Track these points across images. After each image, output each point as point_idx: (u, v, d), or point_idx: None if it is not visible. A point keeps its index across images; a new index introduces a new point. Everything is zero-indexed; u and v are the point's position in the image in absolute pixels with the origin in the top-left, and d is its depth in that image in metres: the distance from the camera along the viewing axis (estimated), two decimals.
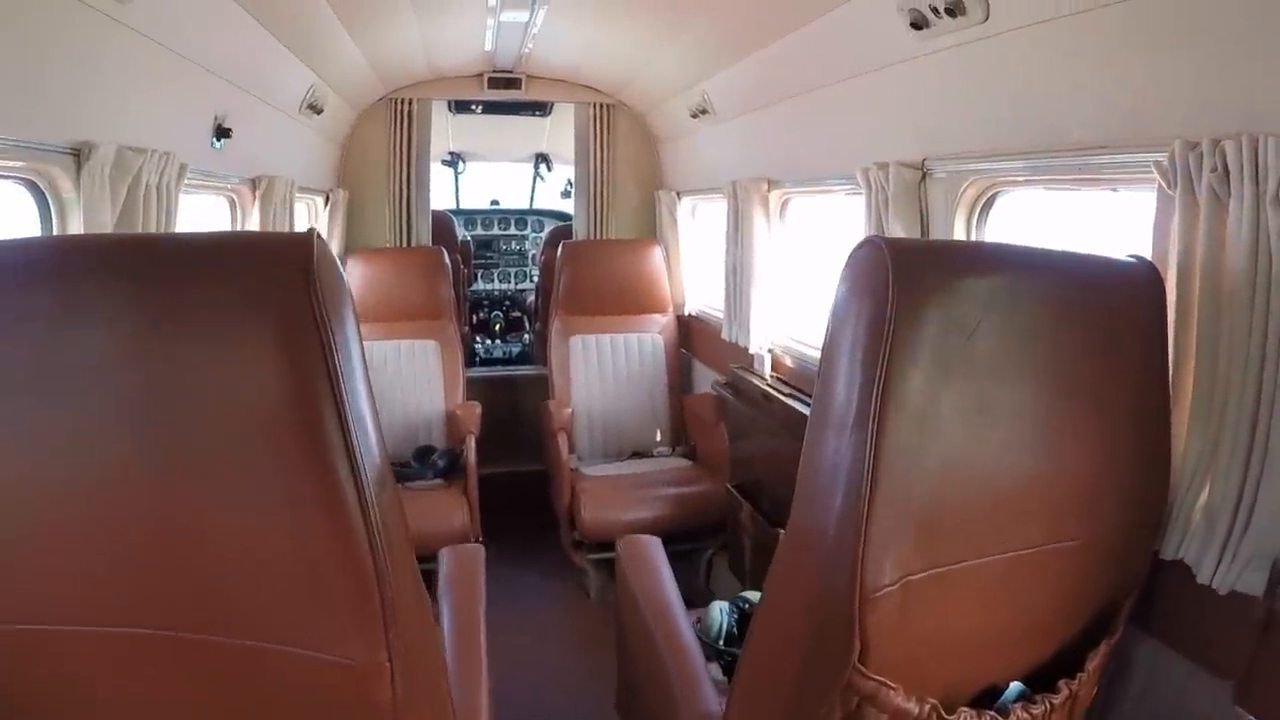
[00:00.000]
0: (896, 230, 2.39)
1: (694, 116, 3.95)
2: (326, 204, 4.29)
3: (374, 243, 4.71)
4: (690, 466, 4.16)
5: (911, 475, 1.16)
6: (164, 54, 2.12)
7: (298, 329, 0.92)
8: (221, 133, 2.58)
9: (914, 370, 1.13)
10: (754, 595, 2.35)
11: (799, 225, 3.53)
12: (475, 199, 7.03)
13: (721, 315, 4.20)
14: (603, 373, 4.39)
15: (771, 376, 3.48)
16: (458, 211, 6.88)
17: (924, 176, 2.37)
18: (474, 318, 6.54)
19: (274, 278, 0.94)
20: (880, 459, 1.13)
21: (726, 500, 3.67)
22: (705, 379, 4.41)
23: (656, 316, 4.49)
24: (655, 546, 2.43)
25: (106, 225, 1.85)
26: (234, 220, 3.11)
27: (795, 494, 1.35)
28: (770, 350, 3.52)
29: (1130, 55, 1.62)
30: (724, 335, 3.79)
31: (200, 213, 3.09)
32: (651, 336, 4.45)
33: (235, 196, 3.06)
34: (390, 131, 4.67)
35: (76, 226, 1.84)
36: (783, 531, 2.81)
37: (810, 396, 3.21)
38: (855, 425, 1.15)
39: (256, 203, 3.07)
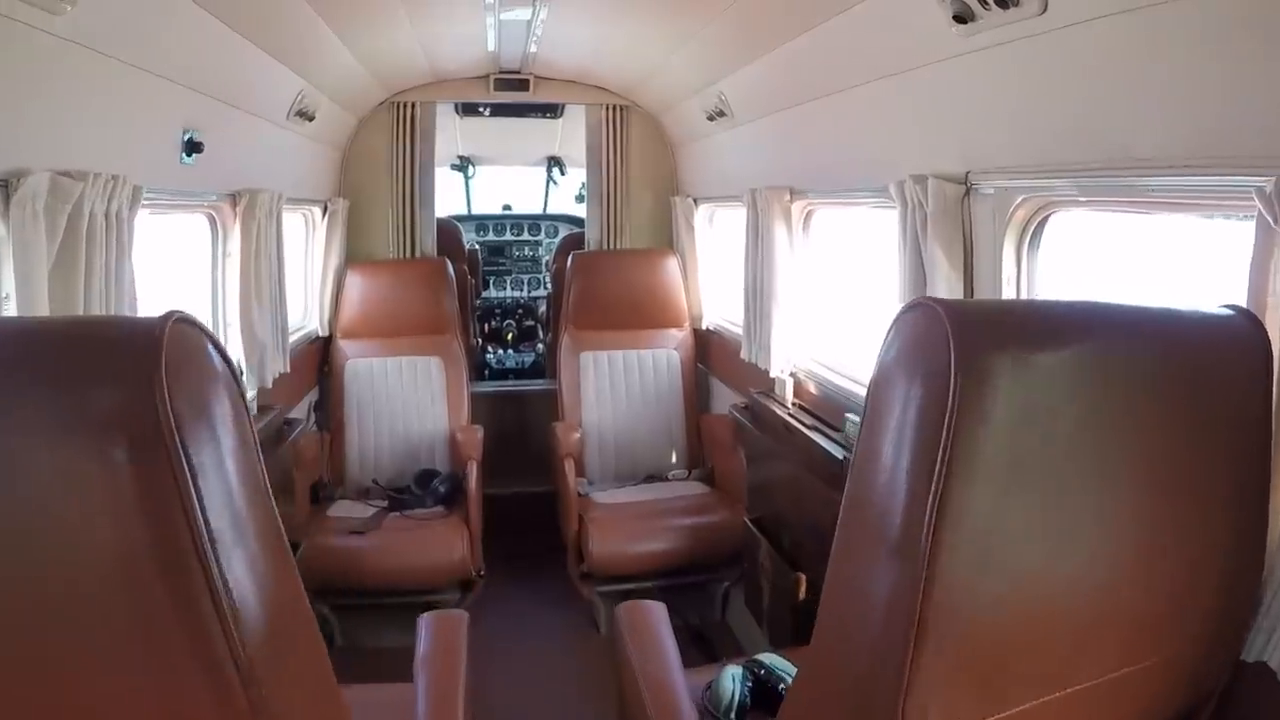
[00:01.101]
0: (936, 254, 2.14)
1: (711, 119, 3.70)
2: (325, 215, 4.09)
3: (377, 254, 4.51)
4: (707, 492, 3.92)
5: (971, 613, 0.92)
6: (113, 66, 1.91)
7: (144, 454, 0.71)
8: (192, 147, 2.37)
9: (980, 478, 0.89)
10: (770, 659, 2.11)
11: (824, 238, 3.27)
12: (486, 204, 6.88)
13: (739, 329, 3.97)
14: (615, 391, 4.16)
15: (793, 404, 3.23)
16: (468, 217, 6.72)
17: (967, 192, 2.11)
18: (485, 327, 6.35)
19: (111, 388, 0.72)
20: (932, 595, 0.88)
21: (744, 534, 3.45)
22: (724, 397, 4.18)
23: (672, 331, 4.25)
24: (658, 613, 2.20)
25: (41, 265, 1.64)
26: (215, 239, 2.92)
27: (821, 608, 1.11)
28: (792, 374, 3.28)
29: (1221, 56, 1.35)
30: (743, 355, 3.54)
31: (177, 233, 2.91)
32: (667, 353, 4.22)
33: (215, 214, 2.87)
34: (393, 137, 4.47)
35: (6, 271, 1.64)
36: (803, 576, 2.55)
37: (834, 429, 3.02)
38: (901, 550, 0.91)
39: (238, 219, 2.87)
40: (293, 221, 3.98)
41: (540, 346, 6.24)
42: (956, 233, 2.14)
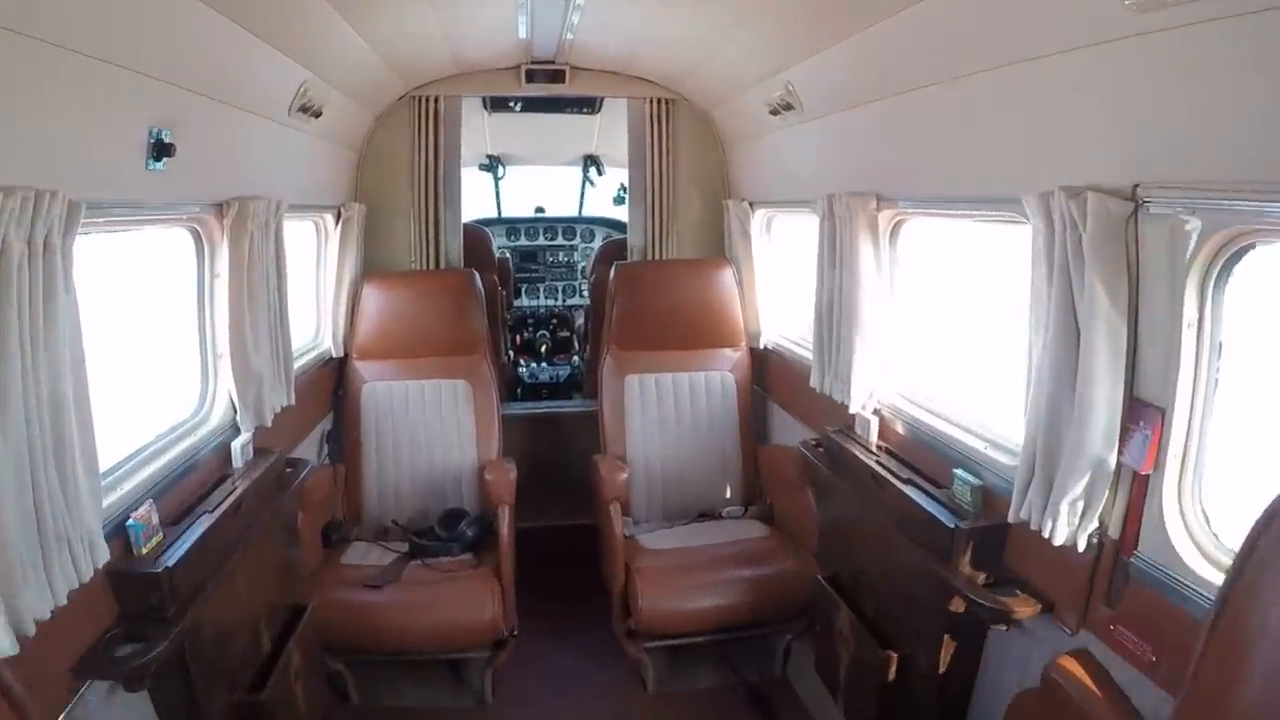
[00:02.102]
0: (1094, 287, 1.69)
1: (774, 113, 3.24)
2: (338, 222, 3.70)
3: (397, 264, 4.14)
4: (768, 535, 3.49)
5: None
6: (45, 51, 1.51)
7: None
8: (161, 149, 1.98)
9: None
10: None
11: (914, 253, 2.81)
12: (517, 206, 6.54)
13: (804, 350, 3.56)
14: (664, 419, 3.75)
15: (878, 446, 2.78)
16: (498, 221, 6.37)
17: (1135, 210, 1.65)
18: (517, 339, 5.99)
19: None
20: None
21: (814, 590, 3.04)
22: (784, 425, 3.77)
23: (727, 351, 3.82)
24: None
25: None
26: (200, 258, 2.53)
27: None
28: (877, 412, 2.82)
29: None
30: (813, 384, 3.09)
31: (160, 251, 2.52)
32: (721, 375, 3.79)
33: (199, 228, 2.47)
34: (414, 134, 4.08)
35: None
36: (894, 656, 2.35)
37: (935, 483, 2.56)
38: None
39: (226, 233, 2.47)
40: (302, 230, 3.63)
41: (576, 359, 5.86)
42: (1120, 262, 1.68)
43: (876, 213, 2.69)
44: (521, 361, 5.79)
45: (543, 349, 5.88)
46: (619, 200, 6.12)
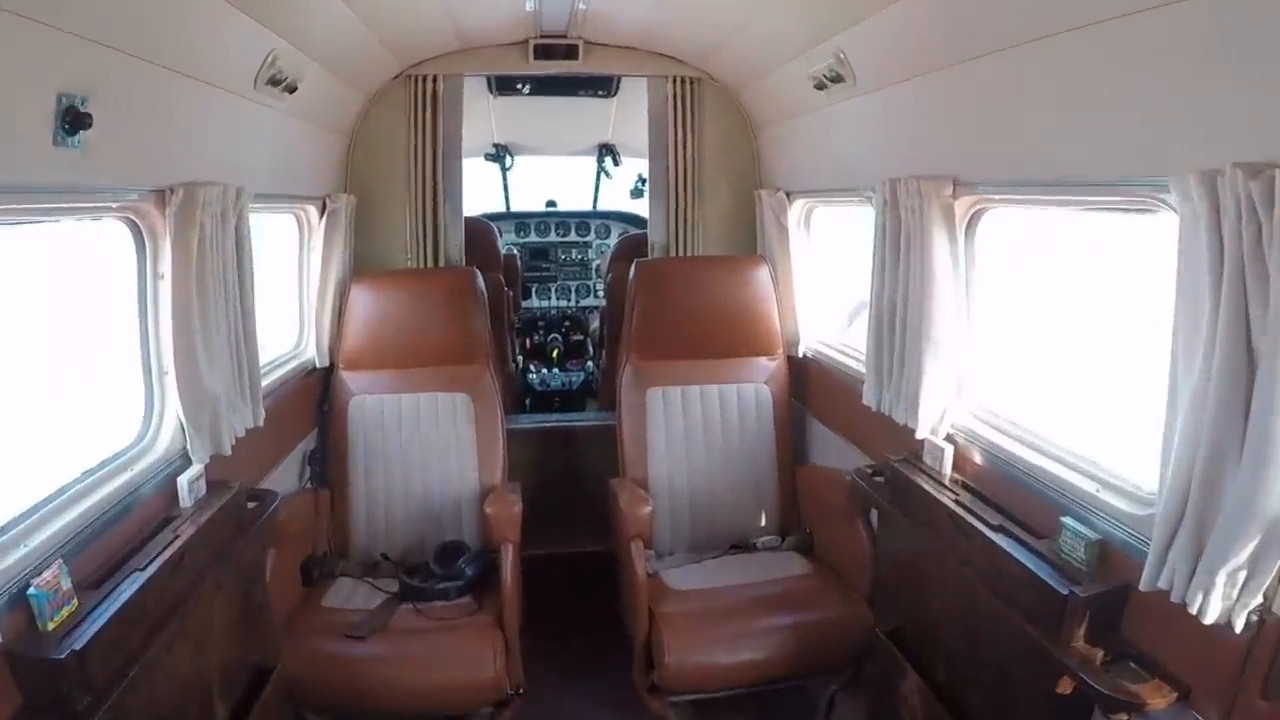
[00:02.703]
0: None
1: (820, 88, 2.83)
2: (323, 215, 3.32)
3: (392, 262, 3.76)
4: (810, 573, 3.07)
5: None
6: None
7: None
8: (75, 122, 1.58)
9: None
10: None
11: (994, 248, 2.39)
12: (527, 199, 6.17)
13: (852, 360, 3.18)
14: (691, 437, 3.34)
15: (954, 480, 2.36)
16: (506, 215, 6.02)
17: None
18: (526, 342, 5.62)
19: None
20: None
21: (866, 640, 2.65)
22: (826, 443, 3.36)
23: (761, 360, 3.40)
24: None
25: None
26: (140, 254, 2.13)
27: None
28: (952, 438, 2.40)
29: None
30: (867, 401, 2.68)
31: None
32: (755, 387, 3.38)
33: (135, 218, 2.08)
34: (410, 118, 3.68)
35: None
36: None
37: (1034, 533, 1.99)
38: None
39: (169, 223, 2.07)
40: (282, 225, 3.26)
41: (590, 364, 5.48)
42: None
43: (953, 200, 2.26)
44: (531, 368, 5.41)
45: (554, 354, 5.50)
46: (637, 193, 5.74)
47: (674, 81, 3.80)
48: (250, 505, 2.50)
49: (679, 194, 3.85)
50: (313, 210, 3.31)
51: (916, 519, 2.40)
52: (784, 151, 3.63)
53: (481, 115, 4.82)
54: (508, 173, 5.89)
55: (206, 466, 2.30)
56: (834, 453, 3.25)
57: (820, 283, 3.55)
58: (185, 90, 2.07)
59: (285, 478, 3.05)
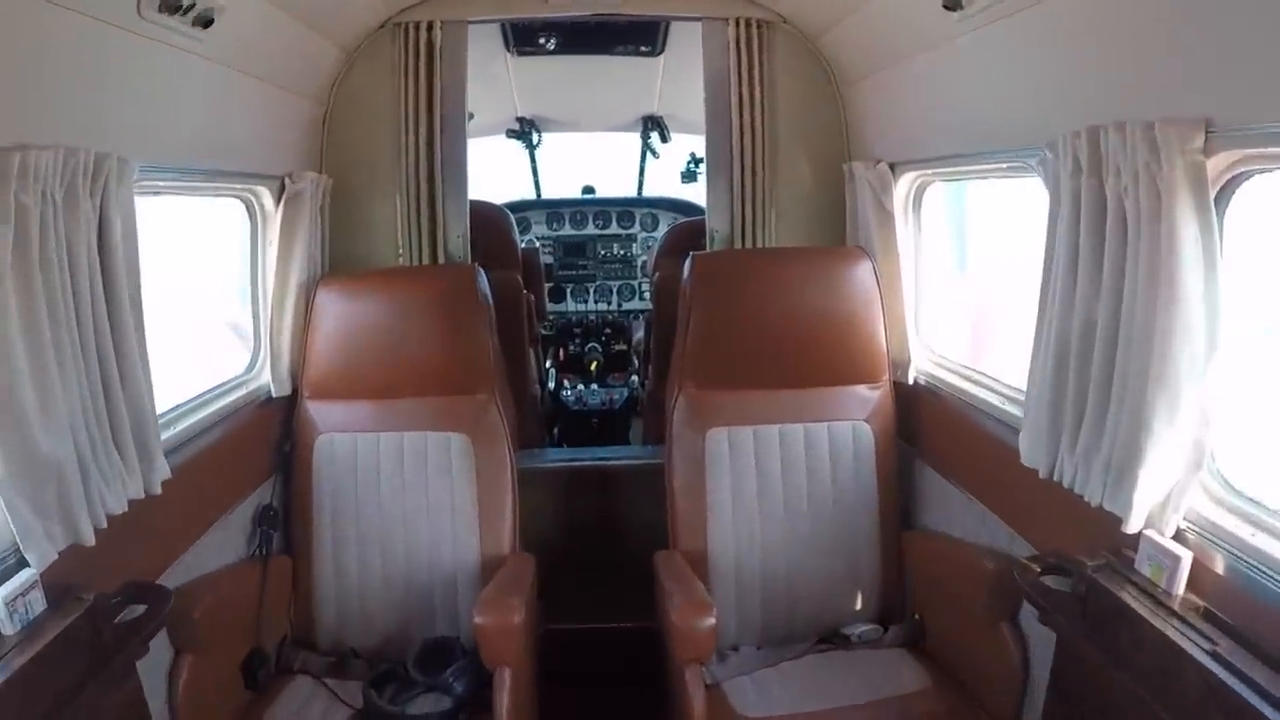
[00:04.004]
0: None
1: (951, 6, 1.99)
2: (280, 201, 2.62)
3: (379, 260, 3.06)
4: (928, 685, 2.28)
5: None
6: None
7: None
8: None
9: None
10: None
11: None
12: (560, 185, 5.62)
13: (984, 390, 2.38)
14: (765, 495, 2.54)
15: (1188, 604, 1.53)
16: (536, 204, 5.43)
17: None
18: (560, 352, 4.98)
19: None
20: None
21: None
22: (941, 498, 2.53)
23: (861, 390, 2.59)
24: None
25: None
26: None
27: None
28: (1185, 536, 1.57)
29: None
30: (1030, 461, 1.87)
31: None
32: (853, 426, 2.57)
33: None
34: (400, 78, 2.98)
35: None
36: None
37: None
38: None
39: None
40: (224, 212, 2.59)
41: (635, 379, 4.78)
42: None
43: (1203, 159, 1.43)
44: (565, 383, 4.72)
45: (593, 367, 4.81)
46: (689, 176, 5.01)
47: (736, 25, 3.03)
48: (125, 613, 1.79)
49: (745, 170, 3.06)
50: (266, 194, 2.60)
51: (1118, 653, 1.59)
52: (884, 111, 2.82)
53: (499, 81, 4.12)
54: (535, 151, 5.25)
55: (59, 564, 1.60)
56: (956, 513, 2.42)
57: (937, 283, 2.73)
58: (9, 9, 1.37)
59: (224, 546, 2.34)
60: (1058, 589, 1.81)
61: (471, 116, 4.12)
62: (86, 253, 1.60)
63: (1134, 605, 1.56)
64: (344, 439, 2.56)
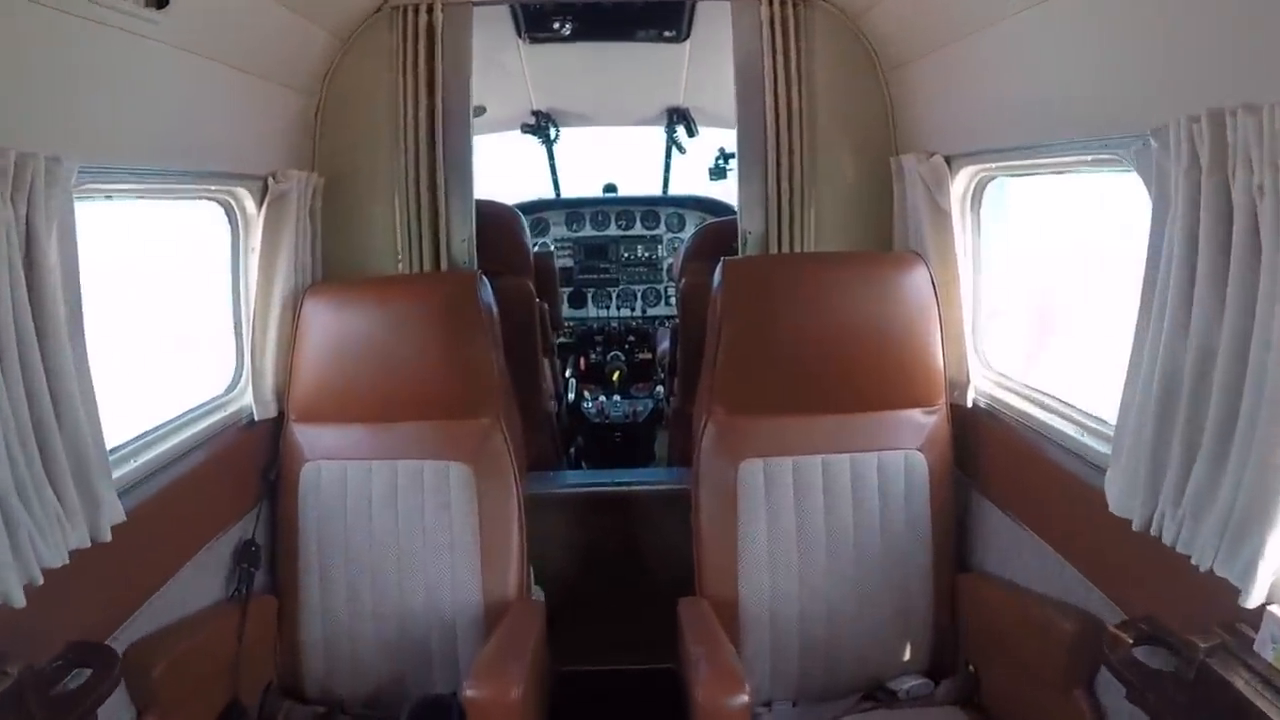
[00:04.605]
0: None
1: None
2: (263, 204, 2.40)
3: (375, 267, 2.84)
4: None
5: None
6: None
7: None
8: None
9: None
10: None
11: None
12: (580, 183, 5.42)
13: (1058, 418, 2.09)
14: (806, 535, 2.29)
15: None
16: (555, 204, 5.25)
17: None
18: (581, 361, 4.80)
19: None
20: None
21: None
22: (1002, 535, 2.24)
23: (915, 415, 2.33)
24: None
25: None
26: None
27: None
28: None
29: None
30: (1119, 508, 1.59)
31: None
32: (905, 456, 2.31)
33: None
34: (400, 67, 2.76)
35: None
36: None
37: None
38: None
39: None
40: (197, 214, 2.39)
41: (660, 389, 4.56)
42: None
43: None
44: (586, 394, 4.50)
45: (615, 376, 4.62)
46: (718, 173, 4.75)
47: (769, 4, 2.77)
48: (82, 675, 1.58)
49: (781, 165, 2.80)
50: (246, 195, 2.38)
51: None
52: (937, 97, 2.54)
53: (512, 72, 3.90)
54: (553, 148, 5.04)
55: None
56: (1020, 556, 2.14)
57: (999, 292, 2.45)
58: None
59: (200, 586, 2.12)
60: (1155, 666, 1.54)
61: (483, 110, 3.93)
62: (7, 267, 1.38)
63: (1252, 698, 1.29)
64: (333, 467, 2.35)
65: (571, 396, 4.48)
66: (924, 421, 2.31)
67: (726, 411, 2.31)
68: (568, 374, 4.71)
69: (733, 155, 4.33)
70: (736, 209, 2.96)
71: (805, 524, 2.27)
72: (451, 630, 2.27)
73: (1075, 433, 1.96)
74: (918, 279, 2.29)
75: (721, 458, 2.29)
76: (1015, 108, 2.10)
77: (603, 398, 4.46)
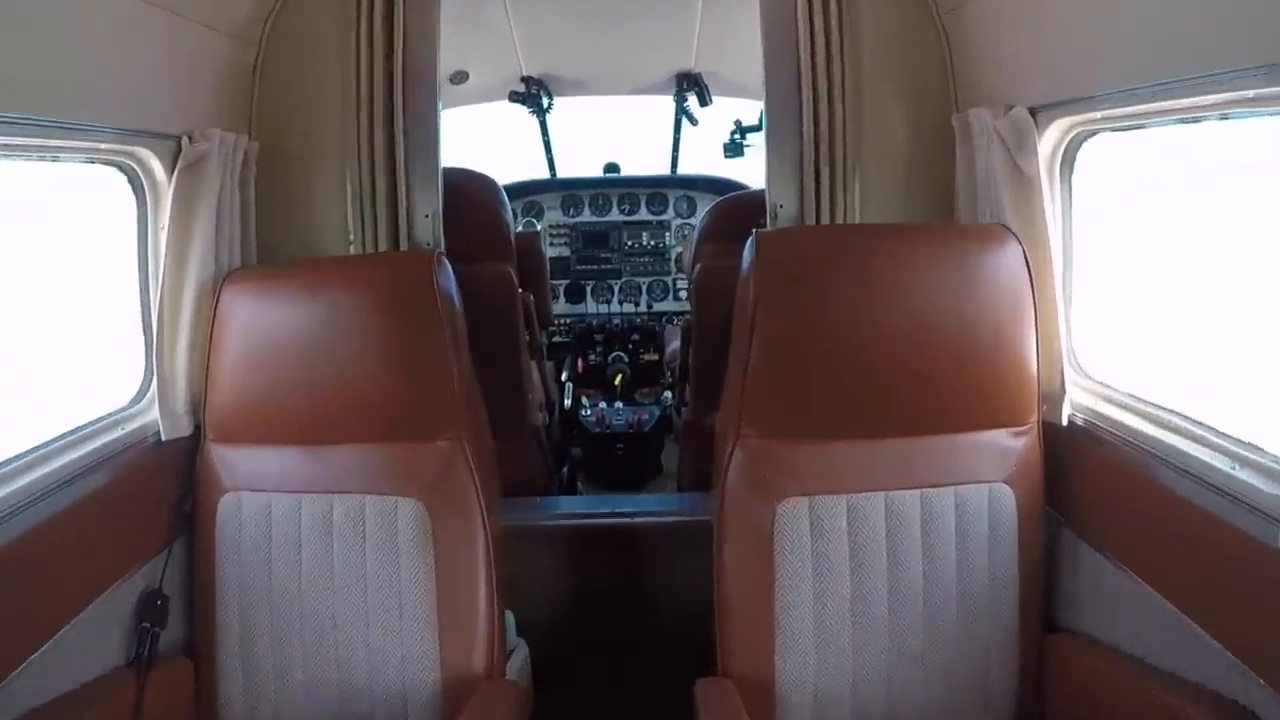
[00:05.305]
0: None
1: None
2: (174, 171, 1.98)
3: (326, 247, 2.44)
4: None
5: None
6: None
7: None
8: None
9: None
10: None
11: None
12: (578, 162, 5.14)
13: (1193, 444, 1.66)
14: (865, 594, 1.84)
15: None
16: (550, 185, 4.95)
17: None
18: (579, 363, 4.52)
19: None
20: None
21: None
22: (1108, 590, 1.80)
23: (1001, 437, 1.87)
24: None
25: None
26: None
27: None
28: None
29: None
30: None
31: None
32: (989, 490, 1.85)
33: None
34: (352, 14, 2.39)
35: None
36: None
37: None
38: None
39: None
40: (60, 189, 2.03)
41: (668, 395, 4.25)
42: None
43: None
44: (584, 400, 4.19)
45: (617, 380, 4.31)
46: (733, 149, 4.35)
47: None
48: None
49: (820, 126, 2.39)
50: (153, 159, 1.96)
51: None
52: (1010, 35, 2.11)
53: (498, 32, 3.53)
54: (547, 120, 4.68)
55: None
56: (1134, 617, 1.71)
57: (1101, 278, 2.01)
58: None
59: (87, 651, 1.73)
60: None
61: (465, 76, 3.55)
62: None
63: None
64: (256, 500, 1.92)
65: (568, 403, 4.14)
66: (1012, 445, 1.85)
67: (760, 434, 1.84)
68: (564, 377, 4.40)
69: (750, 129, 3.96)
70: (764, 180, 2.53)
71: (862, 582, 1.81)
72: (402, 711, 1.83)
73: (1226, 465, 1.51)
74: (1010, 260, 1.82)
75: (754, 495, 1.83)
76: (1128, 38, 1.64)
77: (603, 405, 4.13)
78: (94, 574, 1.75)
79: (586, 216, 4.91)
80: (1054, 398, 1.92)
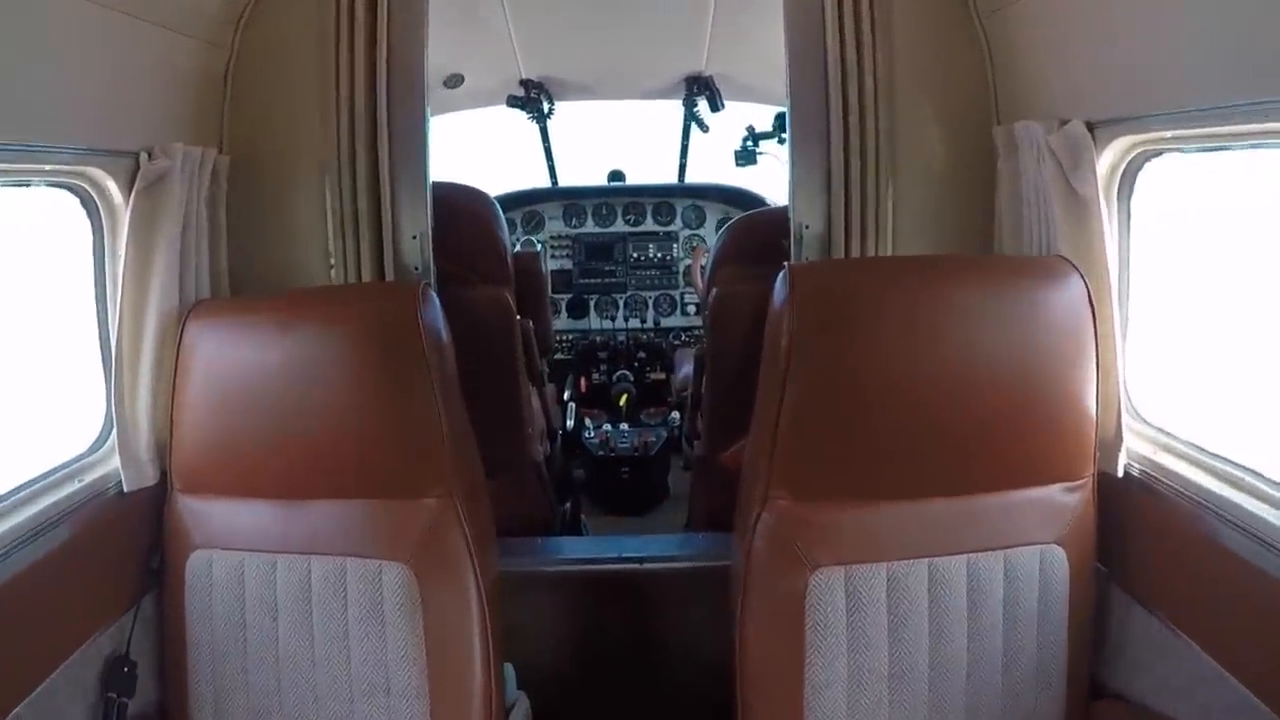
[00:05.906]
0: None
1: None
2: (131, 193, 1.84)
3: (305, 274, 2.30)
4: None
5: None
6: None
7: None
8: None
9: None
10: None
11: None
12: (581, 171, 5.05)
13: (1244, 496, 1.59)
14: (905, 671, 1.70)
15: None
16: (552, 194, 4.86)
17: None
18: (581, 382, 4.43)
19: None
20: None
21: None
22: (1164, 658, 1.68)
23: (1055, 494, 1.73)
24: None
25: None
26: None
27: None
28: None
29: None
30: None
31: None
32: (1041, 554, 1.71)
33: None
34: (331, 16, 2.25)
35: None
36: None
37: None
38: None
39: None
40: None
41: (676, 415, 4.14)
42: None
43: None
44: (587, 422, 4.07)
45: (622, 400, 4.19)
46: (745, 157, 4.22)
47: None
48: None
49: (847, 138, 2.26)
50: (108, 180, 1.81)
51: None
52: (1061, 41, 1.96)
53: (495, 34, 3.42)
54: (548, 127, 4.58)
55: None
56: (1194, 688, 1.59)
57: (1163, 313, 1.87)
58: None
59: None
60: None
61: (460, 80, 3.47)
62: None
63: None
64: (228, 560, 1.77)
65: (570, 424, 4.02)
66: (1066, 502, 1.69)
67: (792, 497, 1.68)
68: (566, 396, 4.28)
69: (764, 135, 3.83)
70: (786, 196, 2.38)
71: (902, 659, 1.66)
72: None
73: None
74: (1072, 296, 1.66)
75: (783, 564, 1.68)
76: (1203, 49, 1.48)
77: (607, 426, 4.04)
78: (55, 640, 1.63)
79: (590, 227, 4.82)
80: (1110, 446, 1.77)
